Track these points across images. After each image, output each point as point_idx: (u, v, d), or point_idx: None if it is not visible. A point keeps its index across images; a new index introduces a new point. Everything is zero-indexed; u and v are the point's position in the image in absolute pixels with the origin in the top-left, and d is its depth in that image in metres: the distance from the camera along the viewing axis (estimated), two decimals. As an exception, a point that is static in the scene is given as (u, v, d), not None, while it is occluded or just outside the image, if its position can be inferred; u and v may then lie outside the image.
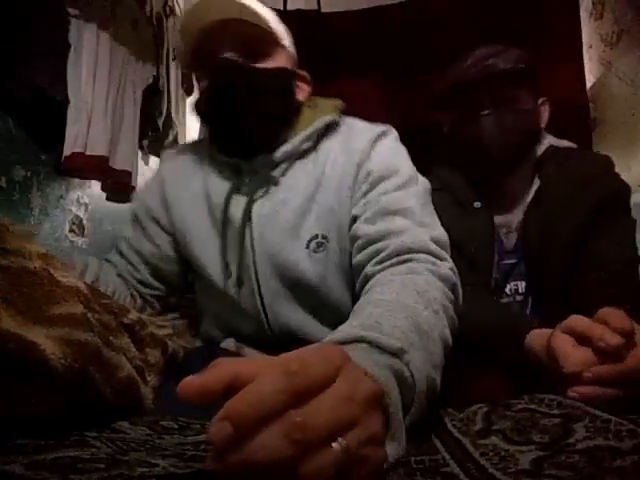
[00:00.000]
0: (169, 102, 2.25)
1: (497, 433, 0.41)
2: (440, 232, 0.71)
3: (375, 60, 1.94)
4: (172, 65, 2.28)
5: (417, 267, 0.63)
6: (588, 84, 1.87)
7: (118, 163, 1.88)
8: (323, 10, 2.00)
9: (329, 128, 0.82)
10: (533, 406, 0.47)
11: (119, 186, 1.94)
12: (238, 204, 0.78)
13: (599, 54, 1.88)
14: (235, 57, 0.75)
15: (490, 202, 1.00)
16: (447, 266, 0.66)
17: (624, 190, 0.96)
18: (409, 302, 0.53)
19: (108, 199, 2.01)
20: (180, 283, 0.90)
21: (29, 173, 1.65)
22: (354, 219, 0.75)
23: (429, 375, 0.45)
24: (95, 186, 2.02)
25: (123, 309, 0.66)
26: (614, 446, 0.36)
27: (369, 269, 0.68)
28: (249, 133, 0.77)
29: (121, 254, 0.86)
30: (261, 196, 0.78)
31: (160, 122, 2.21)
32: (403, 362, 0.41)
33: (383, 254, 0.67)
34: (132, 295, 0.84)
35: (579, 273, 0.89)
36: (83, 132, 1.72)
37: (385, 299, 0.54)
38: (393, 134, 0.82)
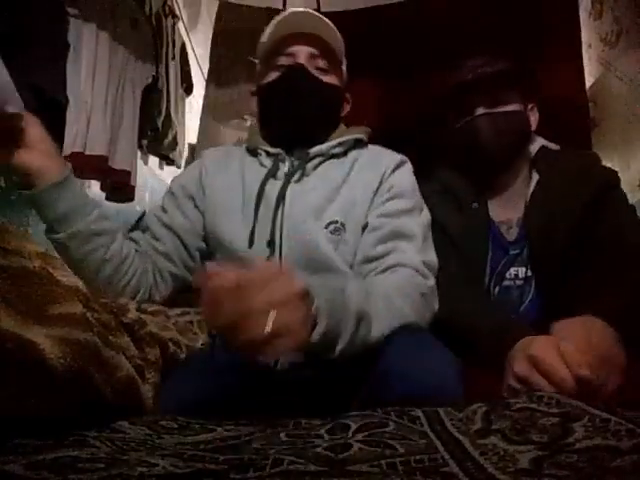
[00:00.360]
0: (168, 102, 2.25)
1: (496, 433, 0.41)
2: (432, 258, 0.85)
3: (374, 60, 1.94)
4: (171, 65, 2.28)
5: (398, 273, 0.79)
6: (587, 84, 1.87)
7: (117, 163, 1.88)
8: (322, 10, 2.00)
9: (358, 144, 0.97)
10: (532, 405, 0.47)
11: (118, 186, 1.93)
12: (273, 186, 0.90)
13: (598, 54, 1.88)
14: (308, 65, 0.91)
15: (490, 201, 1.05)
16: (427, 283, 0.79)
17: (616, 177, 1.02)
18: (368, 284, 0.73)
19: (107, 199, 2.00)
20: (197, 263, 0.95)
21: (28, 173, 1.65)
22: (366, 226, 0.87)
23: (361, 310, 0.63)
24: (94, 186, 2.01)
25: (122, 308, 0.66)
26: (613, 445, 0.36)
27: (367, 278, 0.82)
28: (298, 129, 0.93)
29: (145, 229, 0.94)
30: (295, 181, 0.90)
31: (159, 122, 2.21)
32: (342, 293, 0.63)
33: (381, 267, 0.81)
34: (146, 270, 0.88)
35: (593, 261, 0.92)
36: (82, 132, 1.72)
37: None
38: (410, 164, 0.97)
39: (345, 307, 0.62)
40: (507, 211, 1.04)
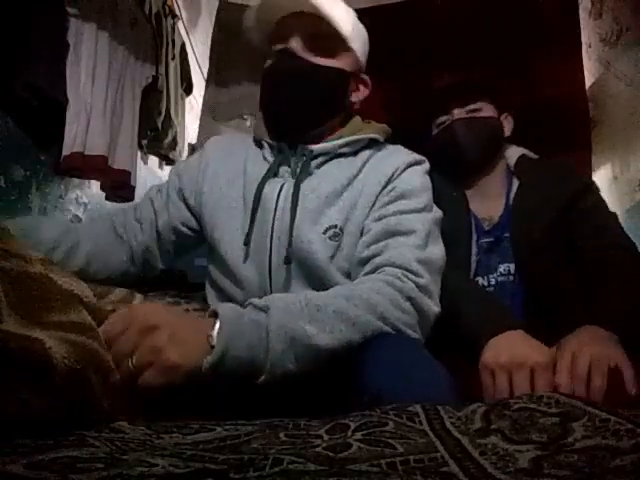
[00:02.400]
0: (168, 102, 2.25)
1: (496, 432, 0.41)
2: (432, 254, 0.77)
3: (375, 60, 1.94)
4: (171, 64, 2.28)
5: (378, 277, 0.73)
6: (587, 84, 1.87)
7: (117, 163, 1.88)
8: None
9: (372, 143, 0.89)
10: (532, 405, 0.47)
11: (118, 186, 1.94)
12: (273, 186, 0.84)
13: (598, 54, 1.88)
14: (299, 49, 0.83)
15: (471, 201, 1.12)
16: (420, 282, 0.72)
17: (590, 185, 1.10)
18: (327, 293, 0.69)
19: (107, 199, 2.01)
20: (171, 255, 0.94)
21: (28, 173, 1.65)
22: (363, 230, 0.81)
23: (291, 328, 0.61)
24: (94, 186, 2.02)
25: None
26: (613, 445, 0.36)
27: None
28: (286, 120, 0.86)
29: (136, 210, 0.92)
30: (294, 181, 0.84)
31: (159, 122, 2.21)
32: (264, 312, 0.62)
33: (369, 269, 0.76)
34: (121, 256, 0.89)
35: (576, 264, 1.00)
36: (82, 132, 1.72)
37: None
38: (426, 165, 0.90)
39: (259, 327, 0.60)
40: (487, 209, 1.11)
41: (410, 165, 0.86)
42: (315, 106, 0.86)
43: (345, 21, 0.86)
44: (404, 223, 0.79)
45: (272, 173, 0.85)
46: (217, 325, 0.59)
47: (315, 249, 0.79)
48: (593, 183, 1.12)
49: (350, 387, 0.62)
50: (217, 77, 2.33)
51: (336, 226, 0.81)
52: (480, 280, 1.04)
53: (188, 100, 2.63)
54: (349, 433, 0.43)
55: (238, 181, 0.88)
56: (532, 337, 0.75)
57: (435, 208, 0.85)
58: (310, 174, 0.85)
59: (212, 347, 0.57)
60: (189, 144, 2.65)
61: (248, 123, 2.18)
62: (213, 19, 2.47)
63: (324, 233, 0.81)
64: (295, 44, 0.84)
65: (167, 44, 2.23)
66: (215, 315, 0.61)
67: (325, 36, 0.84)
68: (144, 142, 2.21)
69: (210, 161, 0.92)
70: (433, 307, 0.74)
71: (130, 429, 0.46)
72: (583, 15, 1.96)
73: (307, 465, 0.35)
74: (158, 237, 0.91)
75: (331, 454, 0.38)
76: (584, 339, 0.73)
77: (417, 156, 0.89)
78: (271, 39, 0.88)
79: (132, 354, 0.54)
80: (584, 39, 1.90)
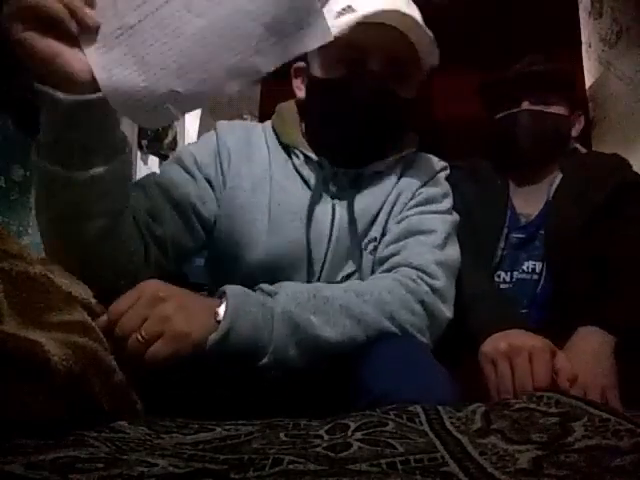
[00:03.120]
0: (168, 102, 2.25)
1: (496, 432, 0.41)
2: (449, 256, 0.77)
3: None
4: (171, 65, 2.28)
5: (392, 276, 0.73)
6: (587, 84, 1.87)
7: (117, 163, 1.88)
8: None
9: (405, 156, 0.88)
10: (532, 405, 0.47)
11: (118, 186, 1.94)
12: (321, 208, 0.81)
13: (598, 54, 1.88)
14: (380, 72, 0.76)
15: (513, 192, 1.08)
16: (435, 285, 0.72)
17: (636, 182, 1.02)
18: (338, 286, 0.70)
19: (107, 199, 2.01)
20: (189, 255, 0.83)
21: (28, 173, 1.65)
22: (386, 231, 0.82)
23: (296, 314, 0.62)
24: (94, 186, 2.01)
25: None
26: (613, 445, 0.36)
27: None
28: (355, 150, 0.81)
29: (145, 195, 0.74)
30: (344, 204, 0.82)
31: (159, 122, 2.21)
32: (271, 296, 0.64)
33: (385, 268, 0.76)
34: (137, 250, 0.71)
35: (602, 266, 0.94)
36: (82, 132, 1.71)
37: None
38: (448, 171, 0.91)
39: (265, 309, 0.61)
40: (529, 204, 1.06)
41: (438, 172, 0.88)
42: (384, 135, 0.83)
43: (427, 44, 0.79)
44: (425, 223, 0.79)
45: (318, 195, 0.80)
46: (224, 303, 0.59)
47: (358, 265, 0.80)
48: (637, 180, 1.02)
49: (351, 387, 0.62)
50: (217, 77, 2.33)
51: (375, 239, 0.81)
52: (502, 275, 1.01)
53: (188, 100, 2.63)
54: (349, 433, 0.43)
55: (263, 187, 0.80)
56: (544, 337, 0.75)
57: (454, 213, 0.86)
58: (353, 195, 0.82)
59: (218, 323, 0.58)
60: (189, 144, 2.65)
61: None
62: (213, 19, 2.47)
63: (365, 249, 0.81)
64: (377, 64, 0.76)
65: (167, 44, 2.23)
66: (223, 295, 0.61)
67: (405, 61, 0.78)
68: (144, 142, 2.20)
69: (231, 153, 0.81)
70: (445, 312, 0.72)
71: (130, 429, 0.46)
72: (583, 15, 1.96)
73: (307, 465, 0.35)
74: (185, 228, 0.76)
75: (331, 454, 0.38)
76: (581, 357, 0.73)
77: (442, 162, 0.91)
78: (341, 40, 0.71)
79: (141, 327, 0.54)
80: (584, 39, 1.90)
